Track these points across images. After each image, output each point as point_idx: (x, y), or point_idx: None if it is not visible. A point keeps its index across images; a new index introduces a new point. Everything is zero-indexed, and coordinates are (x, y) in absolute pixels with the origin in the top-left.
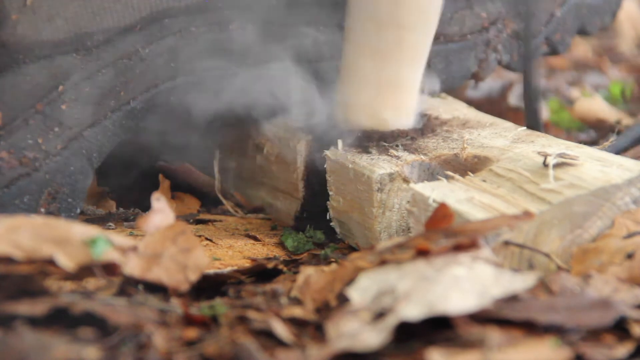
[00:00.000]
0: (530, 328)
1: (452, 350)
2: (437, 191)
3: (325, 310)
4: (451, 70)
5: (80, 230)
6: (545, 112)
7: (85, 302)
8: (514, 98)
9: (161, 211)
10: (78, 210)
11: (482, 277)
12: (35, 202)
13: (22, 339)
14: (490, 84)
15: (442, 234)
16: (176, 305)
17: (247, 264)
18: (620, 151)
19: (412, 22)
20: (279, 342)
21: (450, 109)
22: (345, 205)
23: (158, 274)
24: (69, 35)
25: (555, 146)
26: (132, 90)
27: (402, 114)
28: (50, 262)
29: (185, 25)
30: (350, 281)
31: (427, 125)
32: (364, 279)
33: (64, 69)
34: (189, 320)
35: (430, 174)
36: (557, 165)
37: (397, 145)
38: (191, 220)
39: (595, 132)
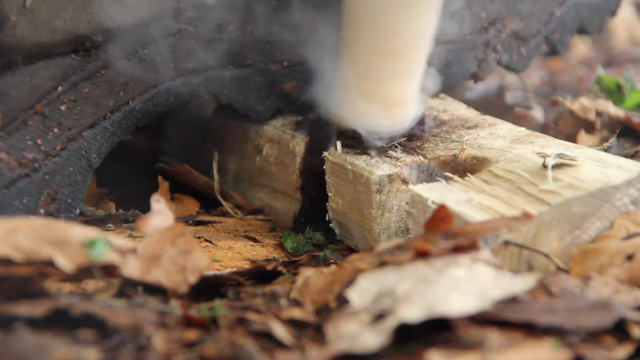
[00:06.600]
0: (530, 329)
1: (451, 352)
2: (436, 192)
3: (324, 311)
4: (450, 70)
5: (80, 232)
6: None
7: (84, 304)
8: (511, 98)
9: (160, 213)
10: (77, 211)
11: (481, 278)
12: (34, 203)
13: (22, 341)
14: (487, 84)
15: (442, 236)
16: (175, 307)
17: (246, 265)
18: None
19: (412, 21)
20: (279, 344)
21: (449, 109)
22: (345, 207)
23: (157, 276)
24: (68, 36)
25: (554, 147)
26: (131, 91)
27: (401, 114)
28: (50, 263)
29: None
30: (349, 283)
31: (426, 126)
32: (364, 281)
33: (63, 70)
34: (188, 322)
35: (429, 175)
36: (556, 166)
37: (395, 147)
38: (190, 222)
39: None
